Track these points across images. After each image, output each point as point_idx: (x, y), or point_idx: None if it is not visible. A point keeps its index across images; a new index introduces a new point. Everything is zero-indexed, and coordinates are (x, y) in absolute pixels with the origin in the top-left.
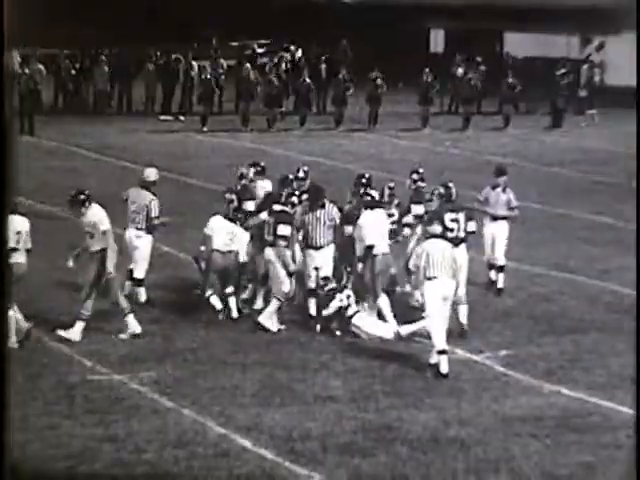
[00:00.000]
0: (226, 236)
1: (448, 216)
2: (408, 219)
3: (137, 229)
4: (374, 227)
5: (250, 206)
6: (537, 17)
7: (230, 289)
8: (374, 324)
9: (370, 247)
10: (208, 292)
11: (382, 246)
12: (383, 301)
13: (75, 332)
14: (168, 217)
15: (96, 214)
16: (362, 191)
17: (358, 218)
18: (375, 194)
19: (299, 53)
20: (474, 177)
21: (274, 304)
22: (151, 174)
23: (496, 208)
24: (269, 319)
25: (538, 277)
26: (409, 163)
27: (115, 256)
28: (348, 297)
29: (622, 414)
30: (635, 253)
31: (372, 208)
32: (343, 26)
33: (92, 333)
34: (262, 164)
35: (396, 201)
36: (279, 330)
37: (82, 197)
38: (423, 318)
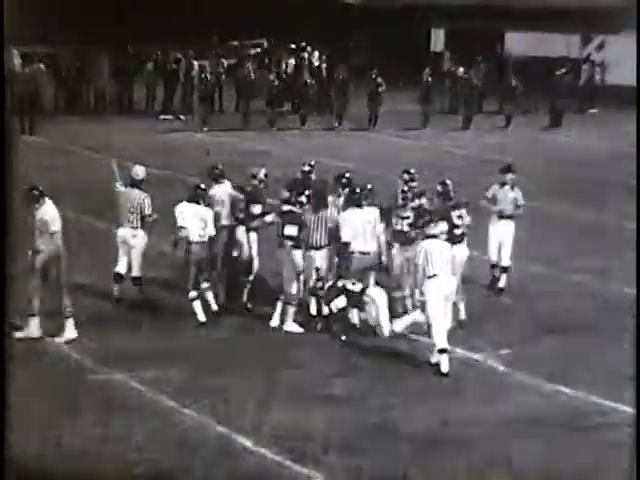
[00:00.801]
0: (199, 224)
1: (454, 213)
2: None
3: (132, 228)
4: (353, 225)
5: (257, 209)
6: (537, 16)
7: (206, 284)
8: (382, 310)
9: (346, 244)
10: (192, 294)
11: (361, 245)
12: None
13: (67, 331)
14: (157, 214)
15: (48, 212)
16: (342, 190)
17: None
18: (358, 190)
19: (316, 54)
20: (475, 176)
21: (291, 310)
22: (140, 172)
23: (504, 206)
24: (293, 324)
25: (538, 276)
26: (409, 163)
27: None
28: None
29: (622, 413)
30: (635, 252)
31: (359, 206)
32: (345, 26)
33: (92, 332)
34: (220, 167)
35: (411, 204)
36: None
37: (36, 193)
38: (413, 311)
